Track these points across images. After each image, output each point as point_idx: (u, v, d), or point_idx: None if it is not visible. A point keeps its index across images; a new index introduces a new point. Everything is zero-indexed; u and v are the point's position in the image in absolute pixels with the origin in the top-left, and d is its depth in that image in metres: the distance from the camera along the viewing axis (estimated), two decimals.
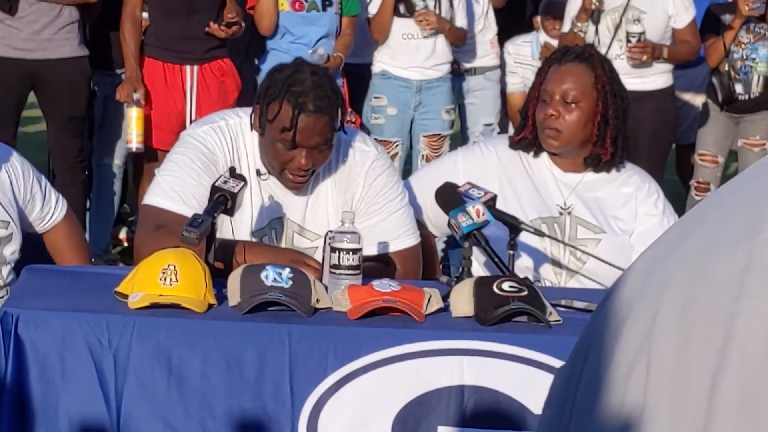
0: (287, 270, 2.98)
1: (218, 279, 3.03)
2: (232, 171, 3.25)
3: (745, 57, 6.68)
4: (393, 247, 3.50)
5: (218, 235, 3.18)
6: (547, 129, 3.64)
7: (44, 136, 6.45)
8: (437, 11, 6.56)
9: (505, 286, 2.98)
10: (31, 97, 6.15)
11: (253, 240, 3.42)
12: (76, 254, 3.69)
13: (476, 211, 3.21)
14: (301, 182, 3.42)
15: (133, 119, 5.99)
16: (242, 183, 3.18)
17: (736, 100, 6.70)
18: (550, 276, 3.63)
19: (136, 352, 2.81)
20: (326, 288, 3.05)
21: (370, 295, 2.94)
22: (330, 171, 3.50)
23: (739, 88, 6.68)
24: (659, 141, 6.53)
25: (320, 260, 3.20)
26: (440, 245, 4.05)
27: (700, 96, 7.08)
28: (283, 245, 3.46)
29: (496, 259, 3.26)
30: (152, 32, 6.12)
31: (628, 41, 6.38)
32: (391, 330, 2.88)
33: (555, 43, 6.80)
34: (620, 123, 3.66)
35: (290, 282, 2.94)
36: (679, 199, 6.64)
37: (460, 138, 7.14)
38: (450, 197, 3.36)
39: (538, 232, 3.49)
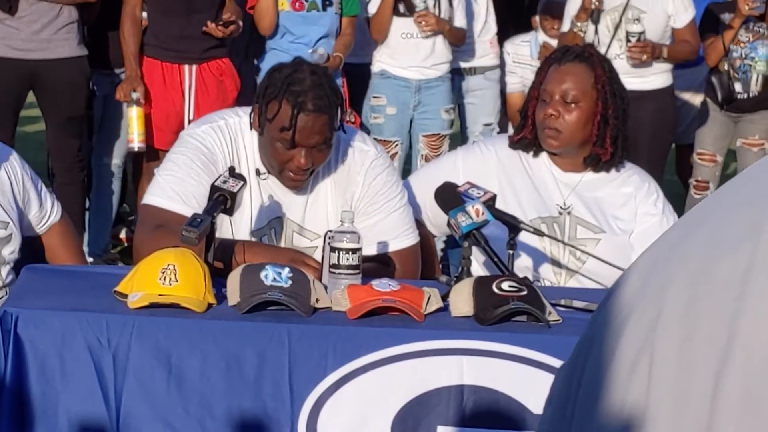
0: (287, 269, 2.97)
1: (218, 279, 3.03)
2: (231, 170, 3.25)
3: (744, 56, 6.69)
4: (392, 247, 3.50)
5: (218, 234, 3.18)
6: (546, 129, 3.64)
7: (43, 135, 6.45)
8: (437, 11, 6.56)
9: (505, 285, 2.98)
10: (31, 97, 6.15)
11: (253, 239, 3.41)
12: (70, 256, 3.69)
13: (476, 211, 3.21)
14: (301, 181, 3.42)
15: (133, 119, 5.99)
16: (242, 182, 3.18)
17: (735, 99, 6.70)
18: (549, 276, 3.63)
19: (136, 351, 2.81)
20: (326, 288, 3.05)
21: (370, 295, 2.94)
22: (329, 170, 3.50)
23: (738, 86, 6.69)
24: (659, 141, 6.53)
25: (320, 260, 3.20)
26: (440, 245, 4.05)
27: (699, 96, 7.08)
28: (282, 245, 3.46)
29: (496, 259, 3.26)
30: (151, 32, 6.12)
31: (628, 41, 6.38)
32: (390, 330, 2.87)
33: (554, 42, 6.80)
34: (620, 123, 3.66)
35: (290, 281, 2.94)
36: (679, 199, 6.64)
37: (459, 138, 7.14)
38: (449, 197, 3.36)
39: (538, 232, 3.49)
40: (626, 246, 3.63)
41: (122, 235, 6.95)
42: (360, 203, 3.47)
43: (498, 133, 7.00)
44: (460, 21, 6.73)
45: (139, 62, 6.08)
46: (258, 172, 3.46)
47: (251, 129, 3.44)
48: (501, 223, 3.34)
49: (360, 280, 3.07)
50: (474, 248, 3.26)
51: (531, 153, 3.72)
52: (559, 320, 2.97)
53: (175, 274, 2.91)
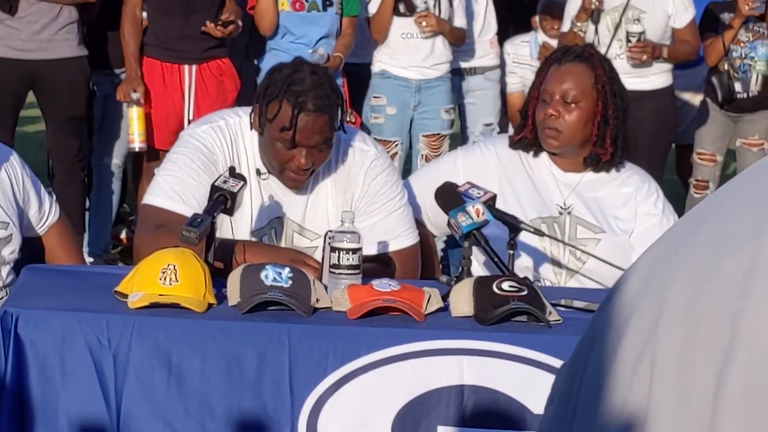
0: (287, 269, 2.97)
1: (218, 278, 3.03)
2: (231, 170, 3.25)
3: (743, 55, 6.69)
4: (392, 247, 3.50)
5: (218, 234, 3.18)
6: (546, 129, 3.64)
7: (43, 135, 6.45)
8: (437, 11, 6.56)
9: (505, 285, 2.98)
10: (31, 97, 6.15)
11: (253, 239, 3.41)
12: (69, 256, 3.69)
13: (476, 211, 3.20)
14: (301, 181, 3.42)
15: (134, 119, 5.99)
16: (242, 182, 3.18)
17: (735, 99, 6.70)
18: (549, 276, 3.63)
19: (136, 351, 2.81)
20: (326, 288, 3.05)
21: (370, 295, 2.94)
22: (330, 170, 3.50)
23: (737, 86, 6.69)
24: (659, 141, 6.53)
25: (320, 260, 3.20)
26: (440, 245, 4.05)
27: (699, 96, 7.08)
28: (282, 245, 3.46)
29: (496, 259, 3.26)
30: (151, 32, 6.12)
31: (628, 41, 6.38)
32: (390, 330, 2.87)
33: (553, 42, 6.81)
34: (620, 123, 3.66)
35: (290, 281, 2.94)
36: (679, 198, 6.64)
37: (459, 138, 7.14)
38: (450, 197, 3.36)
39: (538, 232, 3.49)
40: (626, 246, 3.63)
41: (122, 235, 6.95)
42: (360, 203, 3.48)
43: (498, 133, 7.00)
44: (460, 21, 6.73)
45: (139, 62, 6.08)
46: (258, 172, 3.46)
47: (251, 129, 3.44)
48: (501, 223, 3.34)
49: (360, 280, 3.07)
50: (474, 248, 3.26)
51: (531, 153, 3.72)
52: (559, 320, 2.97)
53: (176, 274, 2.91)
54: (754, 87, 6.67)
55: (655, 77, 6.50)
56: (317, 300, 2.96)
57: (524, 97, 3.90)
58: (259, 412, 2.83)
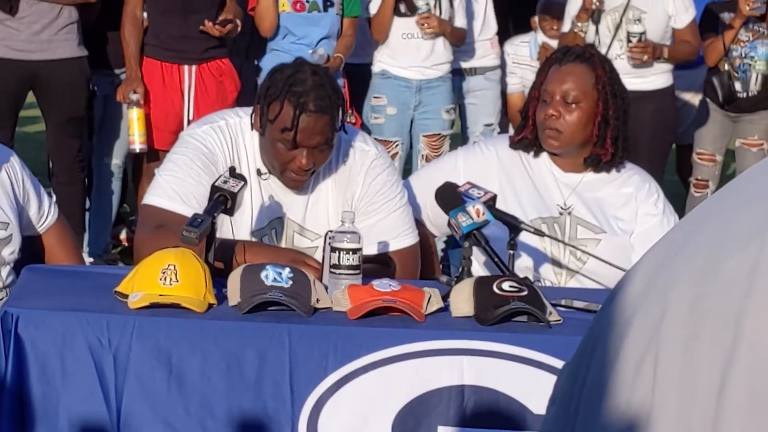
0: (287, 270, 2.97)
1: (218, 279, 3.03)
2: (232, 171, 3.24)
3: (743, 55, 6.69)
4: (392, 247, 3.50)
5: (218, 234, 3.18)
6: (547, 129, 3.64)
7: (43, 135, 6.45)
8: (437, 11, 6.56)
9: (505, 285, 2.97)
10: (30, 97, 6.15)
11: (253, 240, 3.41)
12: (68, 256, 3.69)
13: (476, 211, 3.20)
14: (302, 182, 3.42)
15: (134, 120, 5.98)
16: (242, 183, 3.18)
17: (736, 99, 6.70)
18: (550, 276, 3.63)
19: (136, 351, 2.81)
20: (326, 288, 3.05)
21: (370, 295, 2.94)
22: (330, 171, 3.50)
23: (737, 86, 6.69)
24: (659, 141, 6.53)
25: (320, 260, 3.19)
26: (440, 245, 4.05)
27: (700, 96, 7.08)
28: (283, 245, 3.46)
29: (496, 259, 3.26)
30: (151, 32, 6.12)
31: (629, 41, 6.38)
32: (391, 330, 2.87)
33: (553, 43, 6.80)
34: (621, 123, 3.66)
35: (290, 282, 2.94)
36: (679, 199, 6.64)
37: (460, 138, 7.14)
38: (450, 197, 3.35)
39: (538, 232, 3.49)
40: (627, 246, 3.63)
41: (122, 235, 6.95)
42: (360, 203, 3.48)
43: (498, 133, 7.00)
44: (460, 21, 6.73)
45: (140, 63, 6.08)
46: (259, 173, 3.46)
47: (252, 129, 3.44)
48: (501, 223, 3.34)
49: (360, 280, 3.07)
50: (474, 248, 3.25)
51: (531, 153, 3.72)
52: (559, 320, 2.97)
53: (176, 275, 2.91)
54: (754, 87, 6.67)
55: (656, 77, 6.50)
56: (317, 300, 2.96)
57: (524, 98, 3.90)
58: (260, 413, 2.83)
